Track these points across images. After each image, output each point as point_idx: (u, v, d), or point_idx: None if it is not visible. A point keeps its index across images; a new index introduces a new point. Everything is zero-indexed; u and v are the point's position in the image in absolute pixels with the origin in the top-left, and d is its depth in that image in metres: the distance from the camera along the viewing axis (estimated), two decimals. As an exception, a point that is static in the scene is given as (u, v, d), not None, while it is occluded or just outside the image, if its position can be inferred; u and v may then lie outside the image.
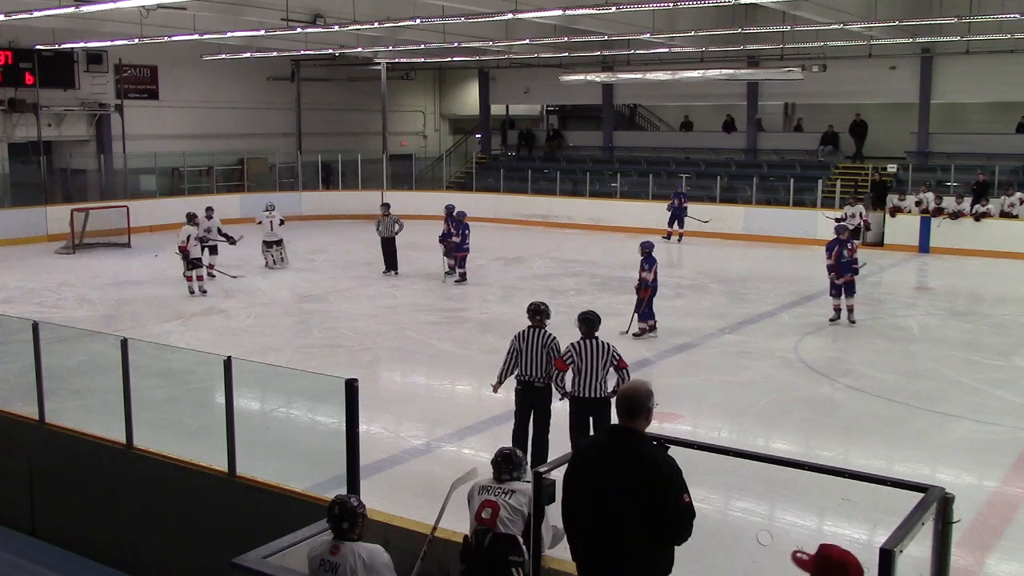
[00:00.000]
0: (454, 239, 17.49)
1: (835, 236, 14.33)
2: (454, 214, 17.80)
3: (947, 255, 21.32)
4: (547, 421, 8.09)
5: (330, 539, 4.38)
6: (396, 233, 18.23)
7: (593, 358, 7.65)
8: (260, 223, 19.10)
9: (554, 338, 8.01)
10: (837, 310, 14.07)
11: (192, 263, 16.21)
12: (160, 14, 19.01)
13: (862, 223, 20.21)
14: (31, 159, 24.95)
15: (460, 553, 4.78)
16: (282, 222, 19.20)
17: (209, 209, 18.16)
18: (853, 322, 13.87)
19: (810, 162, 26.83)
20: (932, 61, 24.93)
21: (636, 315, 13.12)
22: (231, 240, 17.86)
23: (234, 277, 16.87)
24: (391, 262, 18.32)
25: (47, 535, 6.96)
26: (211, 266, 17.58)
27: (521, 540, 4.70)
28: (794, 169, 26.37)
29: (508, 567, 4.64)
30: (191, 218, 16.86)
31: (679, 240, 23.46)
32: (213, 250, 17.81)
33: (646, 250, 13.10)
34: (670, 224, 23.58)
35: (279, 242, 19.09)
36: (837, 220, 20.68)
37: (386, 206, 18.74)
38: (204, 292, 16.17)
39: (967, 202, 21.85)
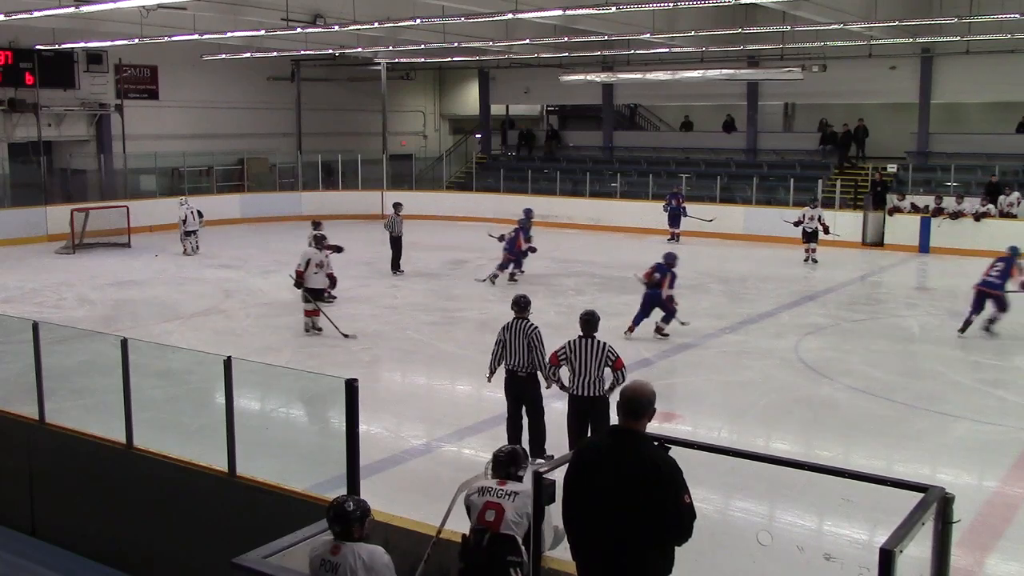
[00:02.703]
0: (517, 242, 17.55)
1: (1008, 254, 13.17)
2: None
3: (947, 255, 21.31)
4: (539, 411, 8.26)
5: (331, 539, 4.38)
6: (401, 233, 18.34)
7: (587, 357, 7.72)
8: (184, 219, 20.97)
9: (535, 328, 8.23)
10: (969, 325, 13.15)
11: (313, 294, 13.22)
12: (160, 14, 19.02)
13: (820, 227, 20.09)
14: (31, 159, 24.95)
15: (459, 552, 4.77)
16: (200, 214, 21.19)
17: (320, 230, 15.20)
18: (995, 333, 13.10)
19: (810, 162, 26.82)
20: (932, 61, 24.93)
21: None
22: (338, 249, 15.09)
23: (346, 336, 12.95)
24: (397, 261, 18.39)
25: (47, 535, 6.95)
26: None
27: (521, 541, 4.69)
28: (794, 169, 26.37)
29: (506, 567, 4.63)
30: (319, 240, 13.82)
31: (676, 240, 23.46)
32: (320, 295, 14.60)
33: (666, 261, 13.07)
34: (670, 225, 23.59)
35: (196, 232, 20.98)
36: (795, 223, 20.64)
37: (398, 205, 18.78)
38: (319, 330, 13.23)
39: (968, 202, 21.83)
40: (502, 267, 17.48)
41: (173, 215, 25.19)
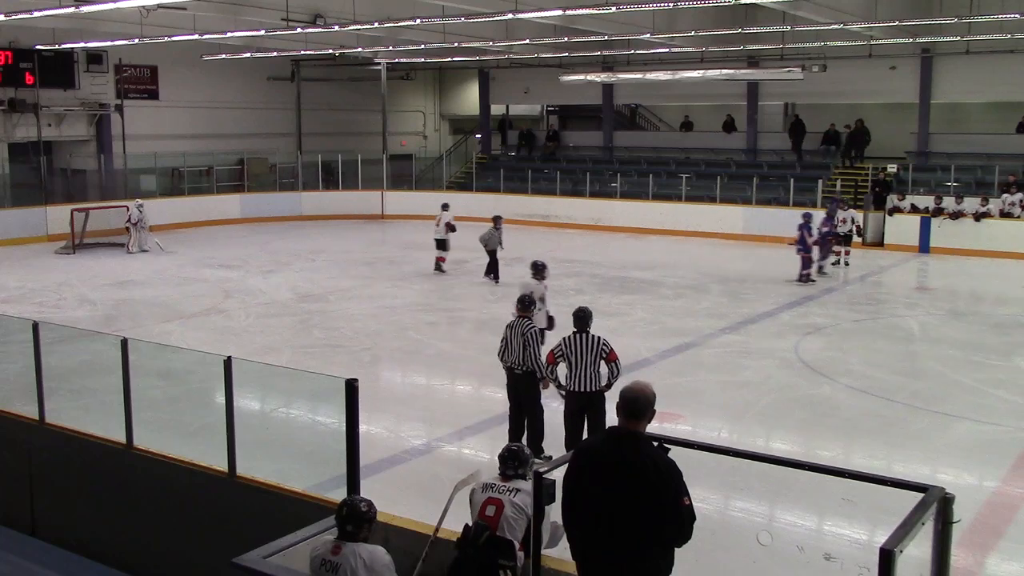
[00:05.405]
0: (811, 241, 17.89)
1: None
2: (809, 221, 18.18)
3: (947, 255, 21.31)
4: (536, 409, 8.34)
5: (331, 539, 4.38)
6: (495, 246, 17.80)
7: (583, 352, 7.78)
8: (139, 219, 21.68)
9: (532, 327, 8.32)
10: None
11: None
12: (160, 14, 19.01)
13: (854, 228, 20.03)
14: (31, 159, 24.96)
15: (457, 540, 4.77)
16: (141, 205, 22.17)
17: (445, 205, 18.72)
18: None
19: (810, 162, 26.81)
20: (932, 61, 24.92)
21: None
22: (452, 228, 18.32)
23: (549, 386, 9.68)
24: (492, 268, 17.71)
25: (47, 535, 6.95)
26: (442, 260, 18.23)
27: (518, 545, 4.69)
28: (794, 169, 26.36)
29: (496, 569, 4.63)
30: (538, 269, 11.01)
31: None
32: (442, 245, 18.26)
33: None
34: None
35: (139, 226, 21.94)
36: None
37: (498, 218, 18.00)
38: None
39: (968, 202, 21.81)
40: (806, 266, 17.85)
41: (174, 215, 25.51)
